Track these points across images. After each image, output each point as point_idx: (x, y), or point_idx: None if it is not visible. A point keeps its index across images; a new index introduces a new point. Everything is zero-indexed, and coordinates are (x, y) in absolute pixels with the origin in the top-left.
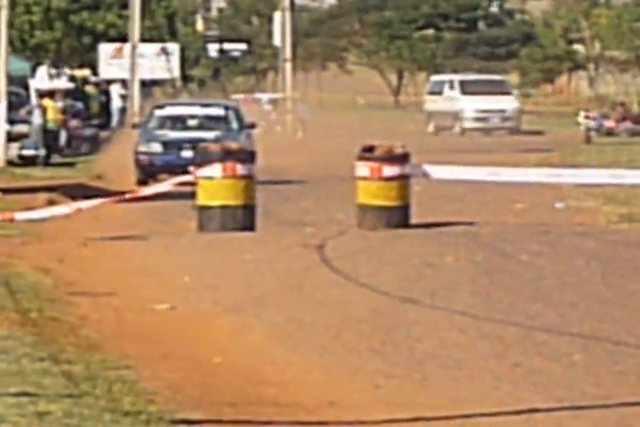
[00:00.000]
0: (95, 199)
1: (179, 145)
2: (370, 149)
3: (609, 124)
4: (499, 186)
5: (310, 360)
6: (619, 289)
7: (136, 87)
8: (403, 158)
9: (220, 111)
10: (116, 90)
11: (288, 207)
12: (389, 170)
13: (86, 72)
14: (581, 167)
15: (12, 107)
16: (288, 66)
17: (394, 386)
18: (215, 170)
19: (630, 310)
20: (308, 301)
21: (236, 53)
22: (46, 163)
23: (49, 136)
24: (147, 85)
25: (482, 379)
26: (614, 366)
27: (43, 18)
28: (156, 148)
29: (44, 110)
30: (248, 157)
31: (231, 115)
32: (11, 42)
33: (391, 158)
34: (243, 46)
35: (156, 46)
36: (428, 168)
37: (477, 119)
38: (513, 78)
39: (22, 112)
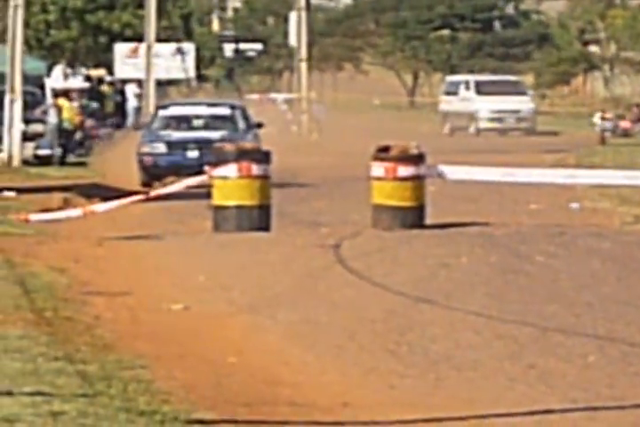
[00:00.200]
0: (110, 202)
1: (184, 145)
2: (385, 149)
3: (624, 125)
4: (514, 187)
5: (325, 360)
6: (634, 290)
7: (151, 87)
8: (418, 159)
9: (225, 111)
10: (131, 89)
11: (303, 207)
12: (404, 170)
13: (102, 72)
14: (597, 168)
15: (27, 106)
16: (303, 66)
17: (408, 386)
18: (230, 170)
19: None
20: (322, 301)
21: (251, 53)
22: (62, 162)
23: (64, 136)
24: (162, 85)
25: (496, 380)
26: (629, 368)
27: (59, 17)
28: (161, 148)
29: (59, 110)
30: (263, 157)
31: (237, 114)
32: (26, 41)
33: (406, 159)
34: (258, 46)
35: (172, 46)
36: (444, 168)
37: (493, 120)
38: (528, 79)
39: (38, 112)
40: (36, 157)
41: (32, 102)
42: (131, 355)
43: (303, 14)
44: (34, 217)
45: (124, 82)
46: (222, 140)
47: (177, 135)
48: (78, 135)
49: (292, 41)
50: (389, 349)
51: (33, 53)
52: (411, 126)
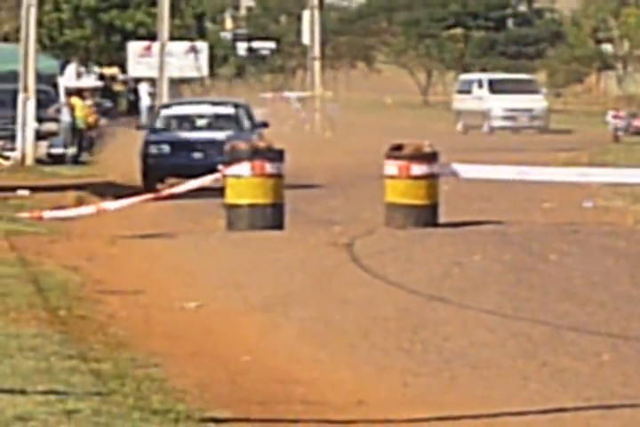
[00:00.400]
0: (124, 199)
1: (188, 146)
2: (398, 147)
3: (637, 123)
4: (527, 185)
5: (339, 359)
6: None
7: (165, 85)
8: (431, 157)
9: (229, 110)
10: (144, 88)
11: (317, 206)
12: (418, 169)
13: (115, 70)
14: (610, 166)
15: (40, 105)
16: (317, 64)
17: (422, 385)
18: (244, 168)
19: None
20: (336, 299)
21: (264, 52)
22: (75, 161)
23: (77, 134)
24: (175, 84)
25: (510, 378)
26: None
27: (72, 16)
28: (165, 149)
29: (72, 109)
30: (277, 155)
31: (242, 113)
32: (40, 40)
33: (420, 157)
34: (271, 45)
35: (185, 45)
36: (457, 167)
37: (506, 118)
38: (541, 77)
39: (51, 110)
40: (50, 155)
41: (45, 101)
42: (144, 353)
43: (316, 13)
44: (47, 214)
45: (137, 80)
46: (228, 140)
47: (181, 136)
48: (93, 134)
49: (306, 39)
50: (403, 347)
51: (46, 52)
52: (424, 125)
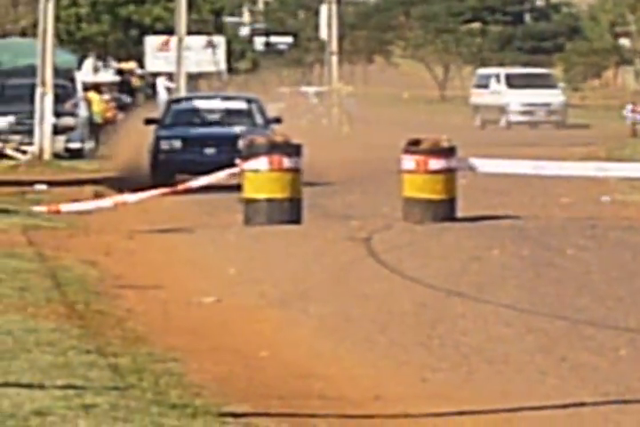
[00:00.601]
0: (141, 193)
1: (200, 142)
2: (416, 142)
3: None
4: (544, 180)
5: (356, 354)
6: None
7: (182, 80)
8: (449, 152)
9: (242, 105)
10: (162, 83)
11: (334, 200)
12: (435, 163)
13: (132, 65)
14: (627, 161)
15: (58, 99)
16: (334, 59)
17: (440, 380)
18: (261, 163)
19: None
20: (354, 294)
21: (282, 46)
22: (93, 155)
23: (94, 129)
24: (193, 78)
25: (528, 373)
26: None
27: (90, 11)
28: (176, 145)
29: (89, 103)
30: (294, 150)
31: (254, 108)
32: (57, 35)
33: (437, 152)
34: (289, 39)
35: (203, 39)
36: (474, 161)
37: (523, 113)
38: (559, 72)
39: (68, 105)
40: (67, 150)
41: (63, 96)
42: (162, 348)
43: (334, 7)
44: (65, 208)
45: (155, 75)
46: (241, 136)
47: (193, 131)
48: (112, 128)
49: (323, 34)
50: (421, 342)
51: (64, 47)
52: (441, 119)
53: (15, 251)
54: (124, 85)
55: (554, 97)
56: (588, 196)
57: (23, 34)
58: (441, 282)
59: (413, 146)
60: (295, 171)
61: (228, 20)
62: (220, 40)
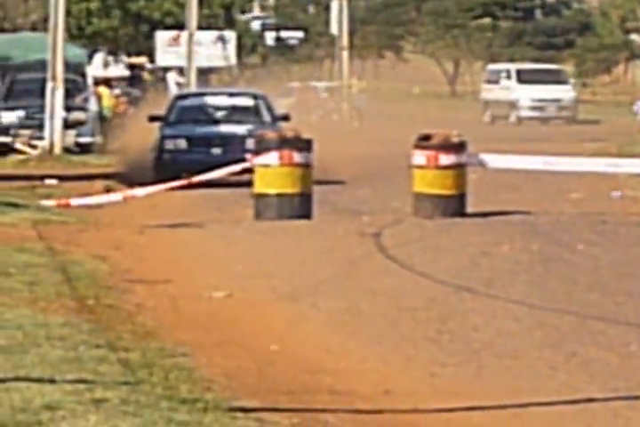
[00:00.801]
0: (150, 186)
1: (207, 141)
2: (426, 137)
3: None
4: (555, 175)
5: (366, 349)
6: None
7: (193, 75)
8: (459, 147)
9: (248, 101)
10: (172, 77)
11: (344, 195)
12: (446, 158)
13: (143, 59)
14: (638, 157)
15: (68, 94)
16: (344, 54)
17: (449, 375)
18: (272, 158)
19: None
20: (364, 289)
21: (292, 41)
22: (103, 150)
23: (105, 124)
24: (203, 73)
25: (537, 368)
26: None
27: (100, 6)
28: (181, 144)
29: (99, 98)
30: (305, 145)
31: (261, 105)
32: (68, 29)
33: (447, 147)
34: (299, 34)
35: (213, 34)
36: (485, 157)
37: (534, 108)
38: (569, 68)
39: (78, 99)
40: (78, 144)
41: (73, 90)
42: (172, 343)
43: (344, 2)
44: (74, 202)
45: (166, 70)
46: (249, 135)
47: (199, 130)
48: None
49: (334, 29)
50: (430, 337)
51: (74, 42)
52: (452, 115)
53: (25, 245)
54: (134, 80)
55: (564, 93)
56: (598, 191)
57: (34, 28)
58: (451, 277)
59: (424, 141)
60: (306, 166)
61: (241, 17)
62: (230, 35)
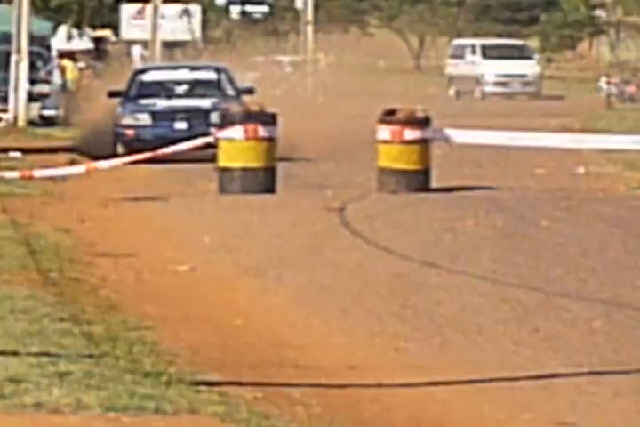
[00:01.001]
0: (113, 159)
1: (171, 115)
2: (391, 112)
3: (630, 89)
4: (519, 151)
5: (330, 323)
6: (639, 255)
7: (157, 48)
8: (424, 122)
9: (211, 75)
10: (137, 51)
11: (309, 170)
12: (410, 133)
13: (107, 33)
14: (602, 133)
15: (33, 67)
16: (309, 29)
17: (414, 350)
18: (237, 132)
19: None
20: (328, 264)
21: (257, 16)
22: (66, 123)
23: (68, 96)
24: (168, 47)
25: (502, 344)
26: (634, 332)
27: None
28: (145, 119)
29: (62, 71)
30: (269, 119)
31: (224, 79)
32: (33, 2)
33: (412, 122)
34: (264, 8)
35: (178, 8)
36: (449, 132)
37: (498, 84)
38: (534, 43)
39: (43, 72)
40: (42, 117)
41: (38, 63)
42: (136, 316)
43: None
44: (38, 173)
45: (130, 43)
46: (213, 109)
47: (162, 104)
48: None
49: (299, 3)
50: (395, 312)
51: (39, 14)
52: (416, 90)
53: None
54: (99, 53)
55: (529, 68)
56: (562, 167)
57: None
58: (415, 252)
59: (388, 116)
60: (270, 140)
61: None
62: (195, 8)
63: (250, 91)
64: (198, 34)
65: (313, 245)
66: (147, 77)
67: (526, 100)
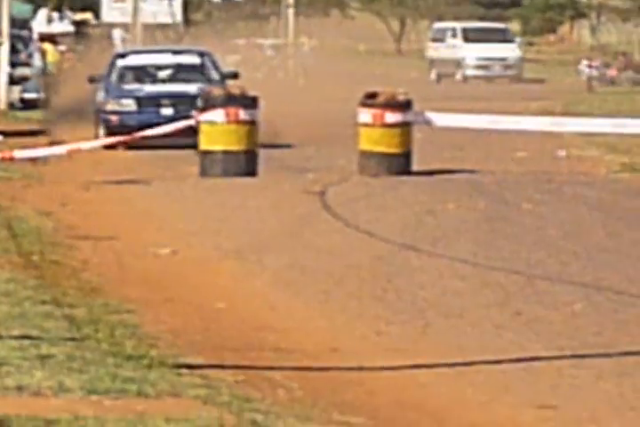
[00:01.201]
0: (94, 141)
1: (156, 101)
2: (372, 95)
3: (611, 73)
4: (500, 134)
5: (312, 306)
6: (620, 238)
7: (138, 31)
8: (405, 105)
9: (194, 59)
10: (118, 34)
11: (290, 153)
12: (392, 117)
13: (88, 15)
14: (583, 116)
15: (13, 50)
16: (290, 11)
17: (395, 333)
18: (218, 115)
19: (632, 259)
20: (309, 247)
21: None
22: (47, 106)
23: (49, 80)
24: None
25: (483, 327)
26: (615, 315)
27: None
28: (130, 105)
29: (43, 54)
30: (251, 102)
31: (208, 63)
32: None
33: (394, 105)
34: None
35: None
36: (431, 115)
37: (479, 67)
38: (515, 26)
39: (23, 55)
40: (22, 100)
41: (19, 46)
42: (118, 299)
43: None
44: (18, 154)
45: (111, 26)
46: (199, 94)
47: (147, 90)
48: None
49: None
50: (376, 295)
51: None
52: (397, 73)
53: None
54: (79, 36)
55: (510, 51)
56: (543, 150)
57: None
58: (396, 235)
59: (370, 99)
60: (251, 123)
61: None
62: None
63: (234, 75)
64: (179, 17)
65: (294, 228)
66: (128, 62)
67: (507, 83)
